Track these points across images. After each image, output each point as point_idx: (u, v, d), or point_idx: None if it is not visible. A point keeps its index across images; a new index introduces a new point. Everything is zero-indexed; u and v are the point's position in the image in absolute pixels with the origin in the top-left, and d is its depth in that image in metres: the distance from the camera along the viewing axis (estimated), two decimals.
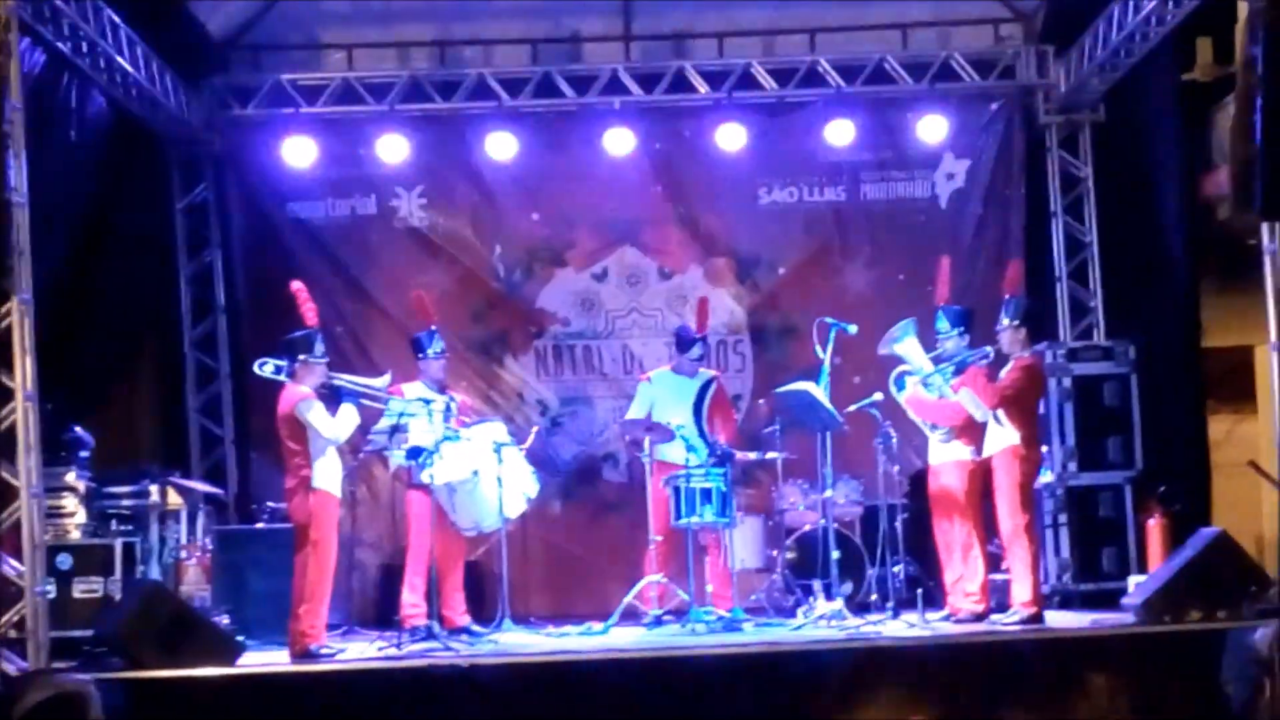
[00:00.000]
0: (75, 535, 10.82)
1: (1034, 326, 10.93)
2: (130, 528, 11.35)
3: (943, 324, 10.72)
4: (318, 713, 9.01)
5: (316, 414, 9.90)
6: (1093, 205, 13.74)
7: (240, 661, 9.50)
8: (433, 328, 11.32)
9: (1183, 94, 12.51)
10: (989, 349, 10.54)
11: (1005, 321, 10.52)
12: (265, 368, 10.21)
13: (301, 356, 10.03)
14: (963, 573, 10.63)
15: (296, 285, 10.49)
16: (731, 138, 13.45)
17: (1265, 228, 9.46)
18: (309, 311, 10.32)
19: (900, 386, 10.76)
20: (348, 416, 10.08)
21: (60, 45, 10.63)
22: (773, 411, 11.86)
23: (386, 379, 10.55)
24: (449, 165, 13.79)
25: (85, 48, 10.99)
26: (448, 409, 10.94)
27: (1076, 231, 13.79)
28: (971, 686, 9.08)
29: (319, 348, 10.13)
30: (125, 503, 11.47)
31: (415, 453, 10.59)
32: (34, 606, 9.19)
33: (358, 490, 12.29)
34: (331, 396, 10.09)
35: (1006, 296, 10.75)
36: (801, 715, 9.03)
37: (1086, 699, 8.97)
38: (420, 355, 11.20)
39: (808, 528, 11.99)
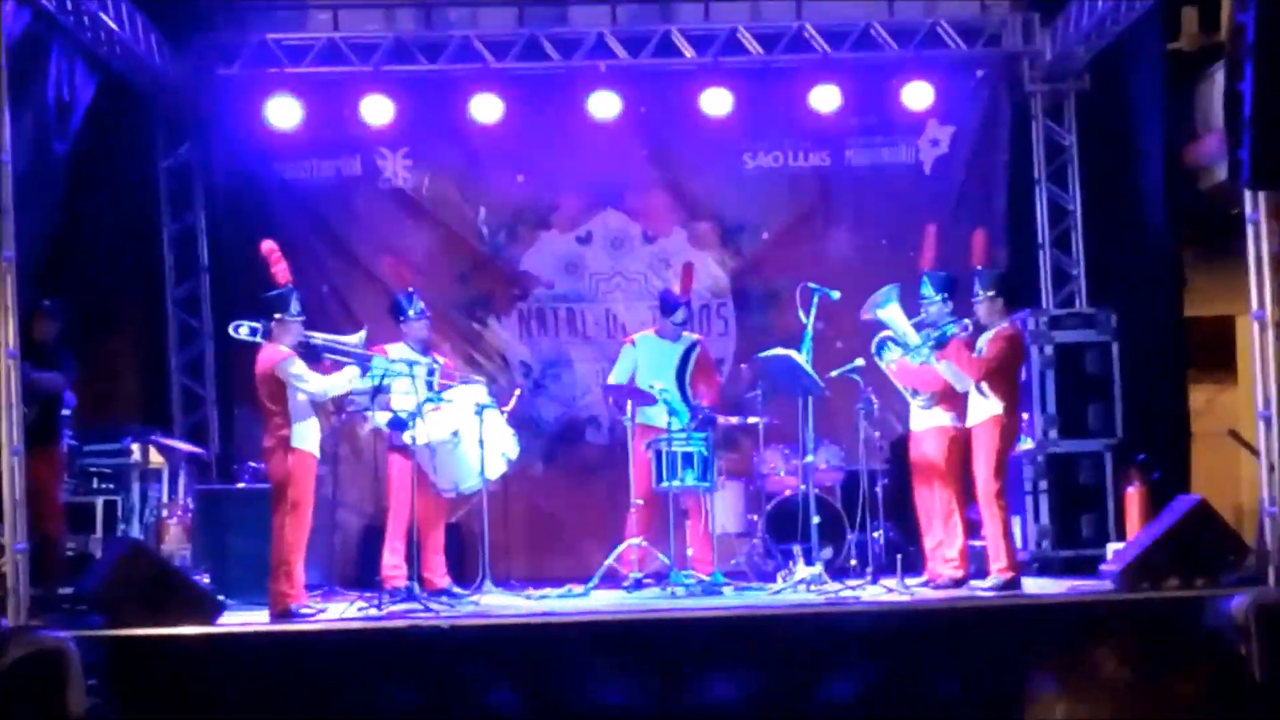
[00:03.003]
0: None
1: (1010, 294, 10.94)
2: (111, 486, 11.38)
3: (927, 289, 10.76)
4: (297, 672, 9.02)
5: (299, 369, 9.89)
6: (1076, 173, 13.74)
7: (220, 620, 9.51)
8: (410, 289, 11.31)
9: (1168, 63, 12.49)
10: (968, 320, 10.56)
11: (980, 293, 10.56)
12: (241, 330, 10.13)
13: (277, 315, 10.01)
14: (942, 539, 10.70)
15: (268, 245, 10.42)
16: (717, 102, 13.38)
17: (1248, 196, 9.47)
18: (280, 270, 10.27)
19: (881, 352, 10.79)
20: (347, 375, 10.09)
21: (44, 1, 10.55)
22: (755, 376, 11.87)
23: (362, 335, 10.52)
24: (434, 127, 13.71)
25: (69, 4, 10.91)
26: (431, 371, 10.94)
27: (1060, 199, 13.79)
28: (949, 652, 9.15)
29: (295, 306, 10.09)
30: (107, 461, 11.49)
31: (398, 424, 10.58)
32: (15, 563, 9.18)
33: (340, 450, 12.28)
34: (309, 355, 10.06)
35: (978, 268, 10.77)
36: (779, 680, 9.08)
37: (1064, 665, 9.02)
38: (401, 318, 11.19)
39: (788, 493, 12.02)
